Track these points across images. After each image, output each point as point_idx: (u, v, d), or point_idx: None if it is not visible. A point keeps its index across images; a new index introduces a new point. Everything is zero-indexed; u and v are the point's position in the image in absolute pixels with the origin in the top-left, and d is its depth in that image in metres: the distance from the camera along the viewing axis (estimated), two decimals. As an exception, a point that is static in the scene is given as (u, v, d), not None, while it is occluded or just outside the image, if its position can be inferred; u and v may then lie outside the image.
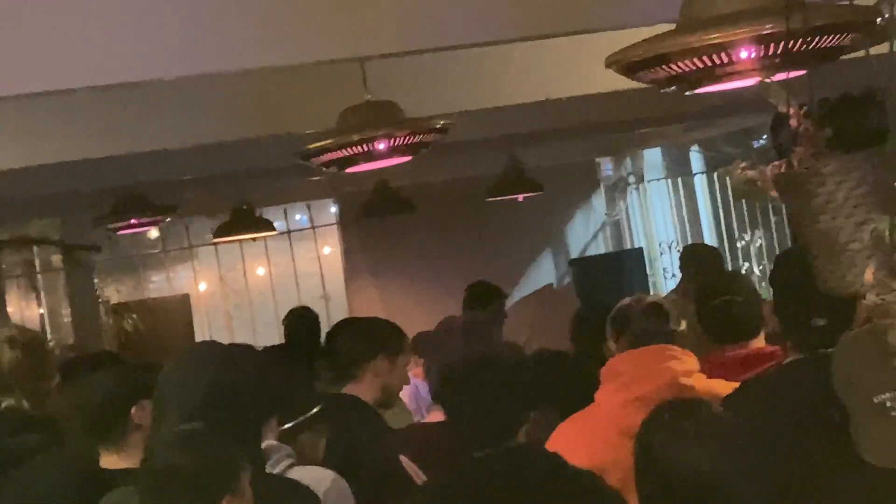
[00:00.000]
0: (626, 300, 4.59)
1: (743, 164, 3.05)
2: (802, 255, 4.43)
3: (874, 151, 2.79)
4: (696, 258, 8.30)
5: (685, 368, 4.25)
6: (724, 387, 4.11)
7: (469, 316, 4.61)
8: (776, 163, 2.99)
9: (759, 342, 4.84)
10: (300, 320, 7.78)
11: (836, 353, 3.14)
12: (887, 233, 2.20)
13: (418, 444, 4.21)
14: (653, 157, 13.20)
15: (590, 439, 4.13)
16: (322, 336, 6.53)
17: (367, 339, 4.93)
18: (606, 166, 13.47)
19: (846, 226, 2.80)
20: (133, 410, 3.96)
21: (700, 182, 12.87)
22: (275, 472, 3.61)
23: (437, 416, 4.22)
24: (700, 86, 3.26)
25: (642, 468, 3.10)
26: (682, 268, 8.68)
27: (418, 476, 4.08)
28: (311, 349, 6.95)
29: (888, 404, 2.90)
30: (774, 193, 3.04)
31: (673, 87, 3.30)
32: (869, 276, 2.10)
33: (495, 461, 3.57)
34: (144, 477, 3.24)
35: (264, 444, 3.61)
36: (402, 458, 4.13)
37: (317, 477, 3.80)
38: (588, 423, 4.23)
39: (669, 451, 3.01)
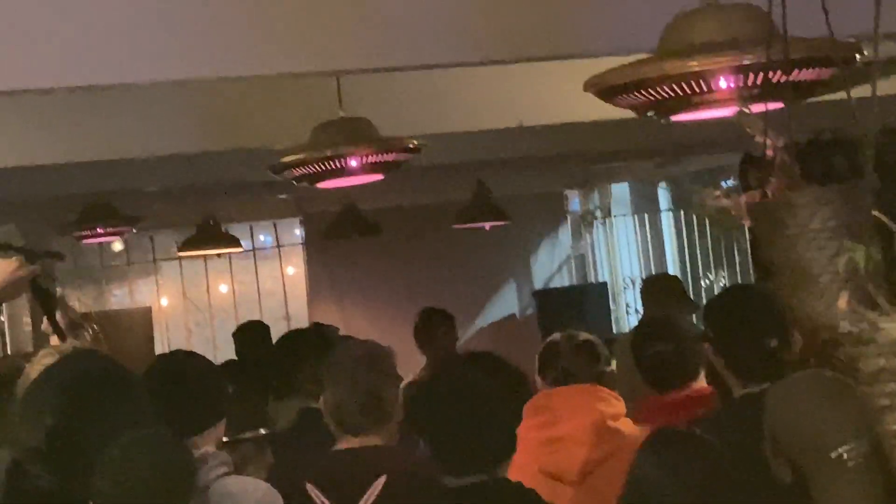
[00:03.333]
0: (557, 335, 4.44)
1: (717, 192, 3.04)
2: (744, 287, 4.43)
3: (849, 184, 2.80)
4: (658, 290, 8.24)
5: (614, 411, 4.14)
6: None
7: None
8: (751, 192, 2.99)
9: (700, 383, 4.80)
10: (252, 335, 7.73)
11: (772, 405, 3.12)
12: (862, 262, 2.20)
13: (325, 470, 4.12)
14: (620, 192, 13.25)
15: (510, 474, 4.06)
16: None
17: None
18: (574, 199, 13.51)
19: (819, 258, 2.79)
20: None
21: (666, 219, 12.91)
22: (209, 478, 3.56)
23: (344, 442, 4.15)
24: (678, 113, 3.27)
25: (628, 494, 3.05)
26: (643, 301, 8.61)
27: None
28: (264, 362, 6.91)
29: (845, 456, 2.87)
30: (747, 223, 3.04)
31: (650, 114, 3.30)
32: (843, 304, 2.10)
33: (472, 493, 3.48)
34: (104, 486, 3.16)
35: (202, 451, 3.57)
36: (309, 486, 4.06)
37: (248, 486, 3.79)
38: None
39: (658, 479, 2.96)
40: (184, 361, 4.29)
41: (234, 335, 7.81)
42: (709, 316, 4.14)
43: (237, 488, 3.63)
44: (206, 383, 4.01)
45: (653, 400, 4.88)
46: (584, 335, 4.38)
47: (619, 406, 4.18)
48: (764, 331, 3.75)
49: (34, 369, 4.34)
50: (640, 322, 5.36)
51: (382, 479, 3.96)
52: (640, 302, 12.69)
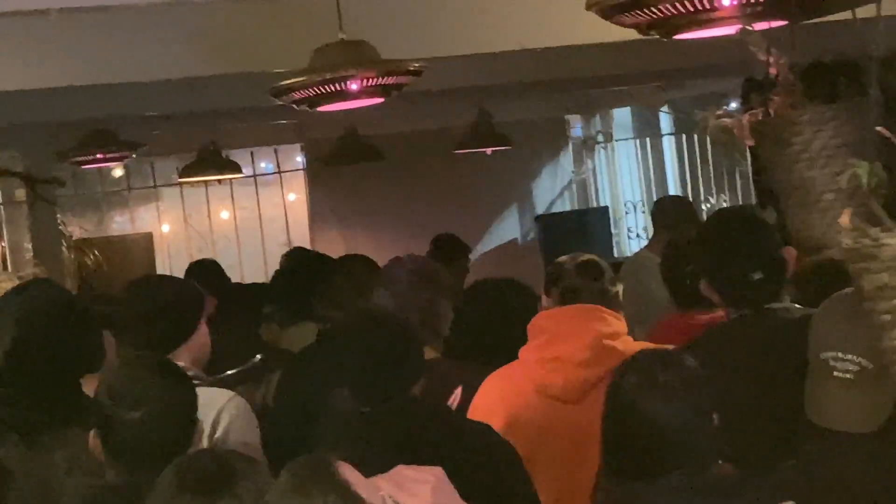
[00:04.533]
0: (564, 256, 4.46)
1: (719, 112, 3.03)
2: (731, 215, 4.46)
3: (852, 102, 2.79)
4: (669, 212, 8.13)
5: (611, 330, 4.13)
6: None
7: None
8: (753, 111, 2.98)
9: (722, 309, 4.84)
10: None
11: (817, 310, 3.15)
12: (865, 178, 2.19)
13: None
14: (622, 117, 13.21)
15: (507, 395, 4.05)
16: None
17: (368, 275, 4.95)
18: (576, 124, 13.46)
19: (821, 176, 2.80)
20: None
21: (668, 143, 12.88)
22: None
23: None
24: (681, 31, 3.24)
25: (610, 412, 3.07)
26: (654, 222, 8.48)
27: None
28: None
29: (831, 363, 2.90)
30: (749, 142, 3.03)
31: (653, 33, 3.27)
32: (845, 220, 2.09)
33: (383, 416, 3.48)
34: (115, 421, 3.12)
35: None
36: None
37: (215, 395, 3.83)
38: (508, 380, 4.13)
39: (639, 398, 2.98)
40: (155, 282, 4.36)
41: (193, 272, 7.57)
42: (700, 239, 4.16)
43: (204, 398, 3.67)
44: (174, 300, 4.07)
45: (676, 319, 4.89)
46: (588, 255, 4.39)
47: (618, 325, 4.19)
48: (749, 264, 3.79)
49: None
50: (673, 241, 5.36)
51: (459, 390, 4.01)
52: (641, 226, 12.75)
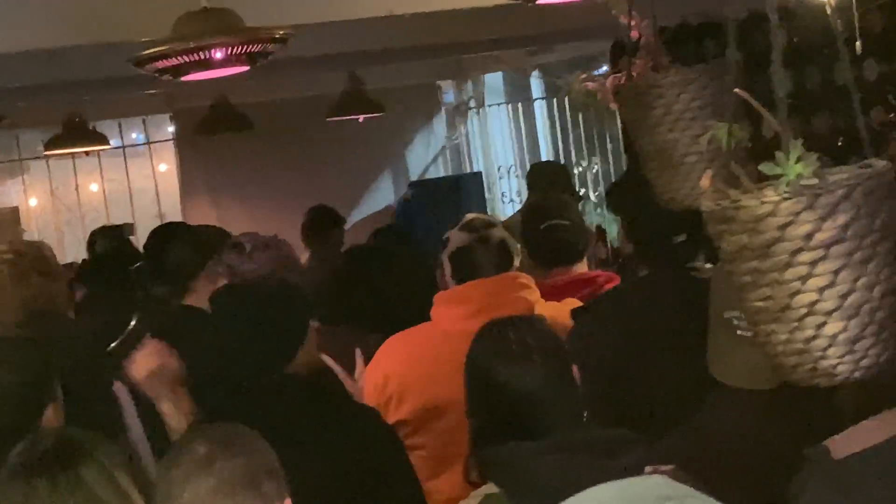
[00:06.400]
0: (465, 238, 4.25)
1: (583, 76, 3.03)
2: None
3: (712, 63, 2.81)
4: (544, 176, 8.15)
5: (536, 297, 4.14)
6: (565, 312, 4.08)
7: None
8: (616, 74, 2.99)
9: (582, 267, 4.86)
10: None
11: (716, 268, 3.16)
12: (725, 140, 2.20)
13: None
14: (494, 82, 13.24)
15: (434, 366, 3.98)
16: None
17: (197, 247, 4.85)
18: (448, 90, 13.47)
19: (683, 138, 2.82)
20: None
21: (540, 108, 12.94)
22: None
23: None
24: (542, -4, 3.25)
25: (469, 383, 3.05)
26: (529, 186, 8.48)
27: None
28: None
29: (735, 322, 2.91)
30: (613, 106, 3.04)
31: (515, -3, 3.27)
32: (705, 182, 2.10)
33: (260, 392, 3.46)
34: None
35: None
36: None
37: None
38: (429, 348, 4.04)
39: (493, 364, 2.95)
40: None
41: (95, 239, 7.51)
42: (615, 199, 4.13)
43: None
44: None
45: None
46: (495, 234, 4.24)
47: (537, 292, 4.19)
48: (675, 227, 3.75)
49: None
50: (533, 202, 5.36)
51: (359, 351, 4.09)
52: (514, 191, 12.81)
